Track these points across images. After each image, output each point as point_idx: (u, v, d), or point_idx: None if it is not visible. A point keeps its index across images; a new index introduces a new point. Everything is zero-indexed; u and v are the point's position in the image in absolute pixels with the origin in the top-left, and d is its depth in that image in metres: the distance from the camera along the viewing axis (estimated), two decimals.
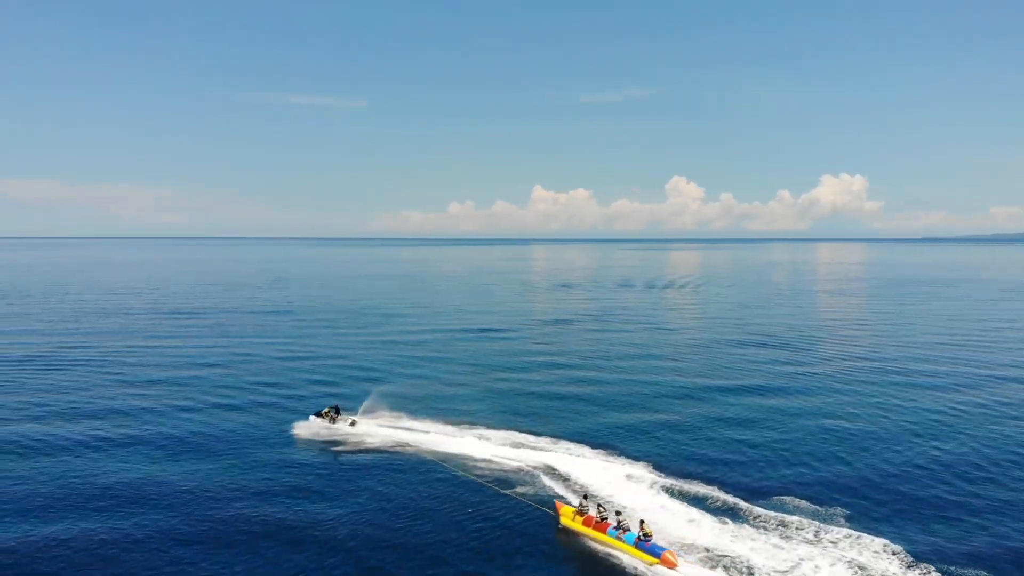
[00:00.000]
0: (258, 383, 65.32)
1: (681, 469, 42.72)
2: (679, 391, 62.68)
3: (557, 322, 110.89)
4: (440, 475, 42.64)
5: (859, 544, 32.97)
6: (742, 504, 37.31)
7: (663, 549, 31.76)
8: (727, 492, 38.94)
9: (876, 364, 74.65)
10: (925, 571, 30.65)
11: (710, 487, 39.67)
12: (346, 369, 72.35)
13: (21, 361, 75.67)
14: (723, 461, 44.50)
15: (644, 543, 32.30)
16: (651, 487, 39.97)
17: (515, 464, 43.89)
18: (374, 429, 51.14)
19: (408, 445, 47.77)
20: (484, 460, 44.74)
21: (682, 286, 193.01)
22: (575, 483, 40.60)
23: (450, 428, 50.97)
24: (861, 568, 30.73)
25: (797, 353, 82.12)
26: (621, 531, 33.64)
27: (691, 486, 39.85)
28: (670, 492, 39.11)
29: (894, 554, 32.04)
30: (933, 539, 34.06)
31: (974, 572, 30.79)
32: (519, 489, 40.21)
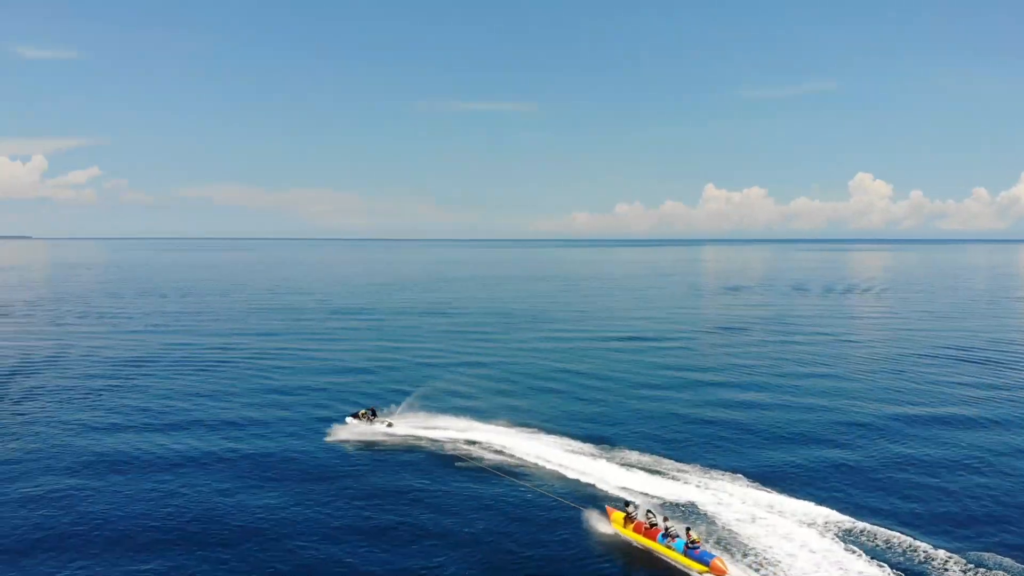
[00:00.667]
0: (387, 388, 62.89)
1: (869, 526, 34.81)
2: (854, 417, 53.87)
3: (718, 330, 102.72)
4: (493, 481, 41.80)
5: None
6: None
7: (712, 556, 31.61)
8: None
9: None
10: None
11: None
12: (477, 378, 68.64)
13: (180, 361, 78.23)
14: (927, 517, 36.22)
15: (692, 550, 32.17)
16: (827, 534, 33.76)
17: (571, 473, 42.64)
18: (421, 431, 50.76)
19: (469, 448, 46.99)
20: (547, 468, 43.52)
21: (865, 290, 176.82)
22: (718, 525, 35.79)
23: (528, 433, 49.68)
24: None
25: (1003, 371, 70.51)
26: (670, 538, 33.52)
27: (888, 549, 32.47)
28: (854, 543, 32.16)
29: None
30: None
31: None
32: (568, 492, 39.93)
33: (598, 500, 38.66)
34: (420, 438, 49.12)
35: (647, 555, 33.81)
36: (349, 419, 52.17)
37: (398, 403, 55.44)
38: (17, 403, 58.14)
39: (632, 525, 35.09)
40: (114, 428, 51.36)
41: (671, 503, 37.76)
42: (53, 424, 51.93)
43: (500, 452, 45.96)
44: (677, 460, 44.16)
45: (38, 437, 48.96)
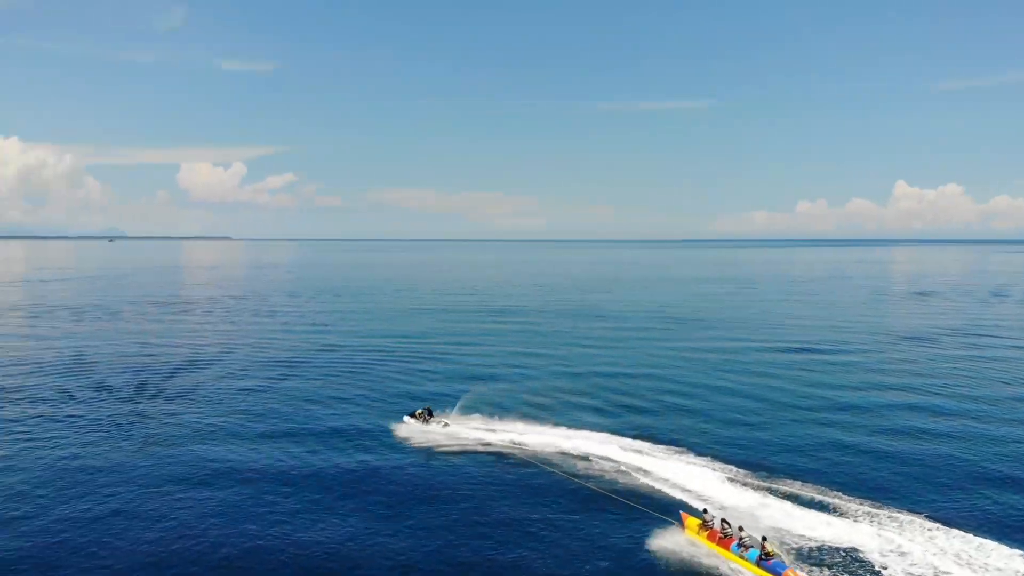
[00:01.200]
0: (520, 399, 60.95)
1: None
2: None
3: (902, 340, 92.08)
4: (565, 484, 41.35)
5: None
6: None
7: (785, 567, 30.93)
8: None
9: None
10: None
11: None
12: (602, 387, 64.56)
13: (328, 362, 79.56)
14: None
15: (766, 562, 31.47)
16: None
17: (640, 477, 42.22)
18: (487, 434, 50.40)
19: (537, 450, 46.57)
20: (616, 471, 43.04)
21: None
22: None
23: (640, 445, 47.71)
24: None
25: None
26: (744, 548, 32.83)
27: None
28: None
29: None
30: None
31: None
32: (639, 497, 39.35)
33: (673, 507, 37.99)
34: (519, 444, 48.00)
35: (720, 564, 33.13)
36: (407, 418, 52.72)
37: (507, 409, 55.09)
38: (167, 401, 59.79)
39: (707, 533, 34.77)
40: (243, 434, 50.84)
41: (831, 546, 33.05)
42: (192, 427, 51.95)
43: (591, 459, 44.97)
44: (843, 493, 38.98)
45: (172, 440, 48.90)
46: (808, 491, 39.46)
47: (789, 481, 40.77)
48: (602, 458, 44.87)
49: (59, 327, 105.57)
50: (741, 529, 33.96)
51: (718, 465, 43.73)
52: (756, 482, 40.87)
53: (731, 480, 41.47)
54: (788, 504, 37.81)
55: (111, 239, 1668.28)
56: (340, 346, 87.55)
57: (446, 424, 51.54)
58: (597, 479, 41.84)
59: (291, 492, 39.80)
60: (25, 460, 44.63)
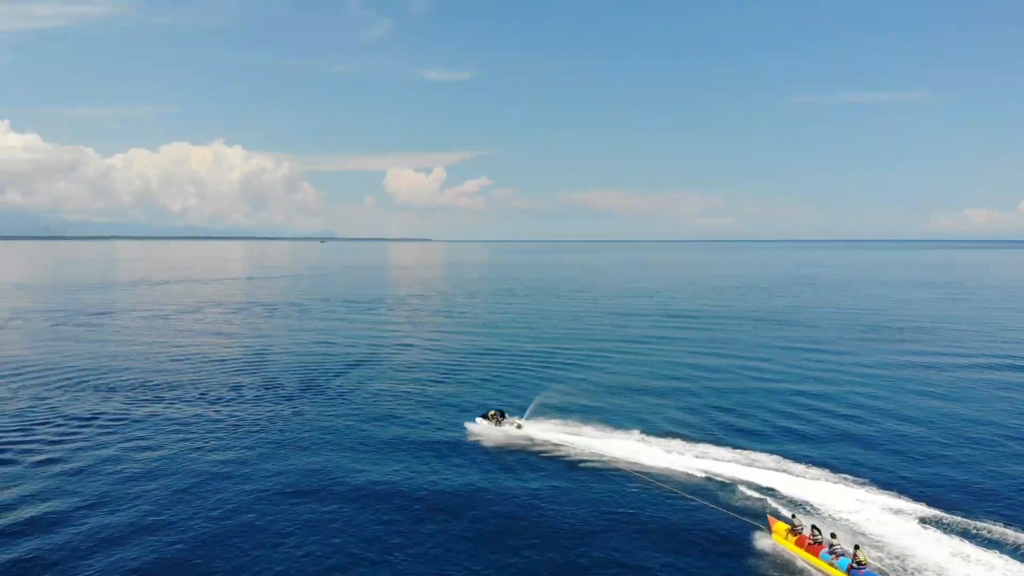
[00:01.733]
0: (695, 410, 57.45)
1: None
2: None
3: None
4: (638, 485, 41.28)
5: None
6: None
7: None
8: None
9: None
10: None
11: None
12: (770, 408, 58.75)
13: (477, 367, 79.17)
14: None
15: (857, 571, 30.55)
16: None
17: (721, 480, 41.68)
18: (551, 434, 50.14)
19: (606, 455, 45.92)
20: (686, 474, 42.72)
21: None
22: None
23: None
24: None
25: None
26: (834, 556, 31.89)
27: None
28: None
29: None
30: None
31: None
32: (725, 501, 38.81)
33: (762, 512, 37.33)
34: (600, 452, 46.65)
35: (809, 572, 32.46)
36: (479, 419, 52.11)
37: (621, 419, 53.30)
38: (324, 401, 60.25)
39: (795, 539, 33.91)
40: (366, 441, 50.57)
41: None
42: (332, 431, 52.18)
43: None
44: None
45: (305, 444, 49.04)
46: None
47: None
48: (683, 466, 44.12)
49: (253, 323, 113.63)
50: (833, 536, 32.93)
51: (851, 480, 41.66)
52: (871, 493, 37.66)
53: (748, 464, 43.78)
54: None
55: (323, 240, 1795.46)
56: (500, 350, 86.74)
57: (519, 426, 51.01)
58: (673, 482, 41.61)
59: (388, 508, 38.34)
60: (161, 460, 45.23)
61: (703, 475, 42.10)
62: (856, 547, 31.73)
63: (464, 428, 51.76)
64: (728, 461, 44.22)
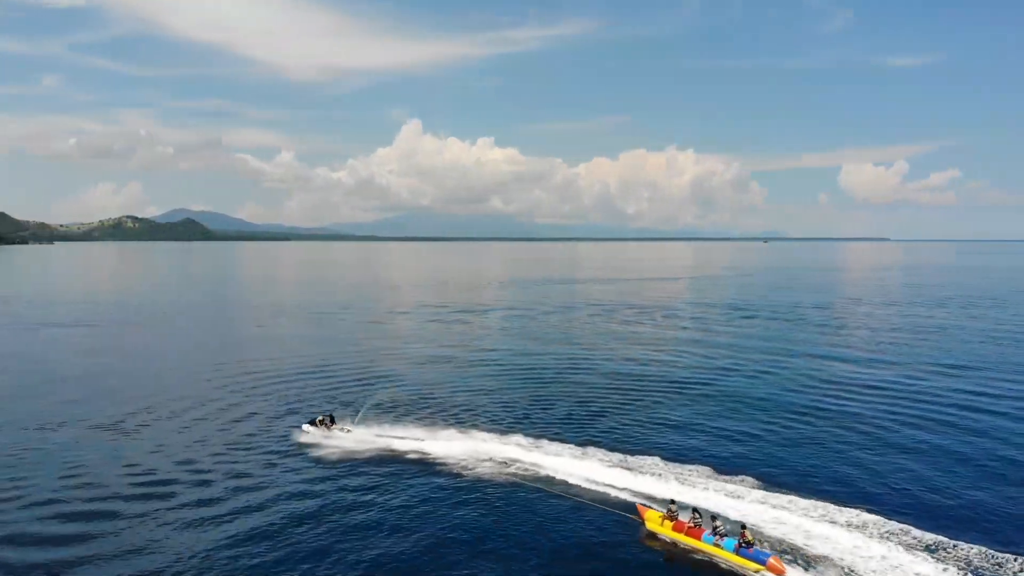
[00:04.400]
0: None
1: None
2: None
3: None
4: (517, 489, 39.59)
5: None
6: None
7: (768, 555, 29.88)
8: None
9: None
10: None
11: None
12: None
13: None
14: None
15: (746, 550, 30.37)
16: None
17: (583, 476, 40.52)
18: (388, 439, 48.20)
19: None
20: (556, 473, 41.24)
21: None
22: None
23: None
24: None
25: None
26: (718, 537, 31.78)
27: None
28: None
29: None
30: None
31: None
32: (590, 494, 37.96)
33: (630, 504, 36.65)
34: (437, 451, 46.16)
35: (692, 556, 32.22)
36: (306, 426, 50.50)
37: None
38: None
39: (672, 524, 33.53)
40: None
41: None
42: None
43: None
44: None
45: None
46: None
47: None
48: (527, 461, 43.50)
49: (631, 326, 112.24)
50: (715, 519, 32.88)
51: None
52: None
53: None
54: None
55: (766, 240, 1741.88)
56: (890, 388, 65.22)
57: (348, 431, 49.68)
58: (524, 479, 40.81)
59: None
60: None
61: (562, 473, 41.25)
62: (743, 526, 31.63)
63: (292, 435, 49.98)
64: (594, 460, 43.95)
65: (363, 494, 39.52)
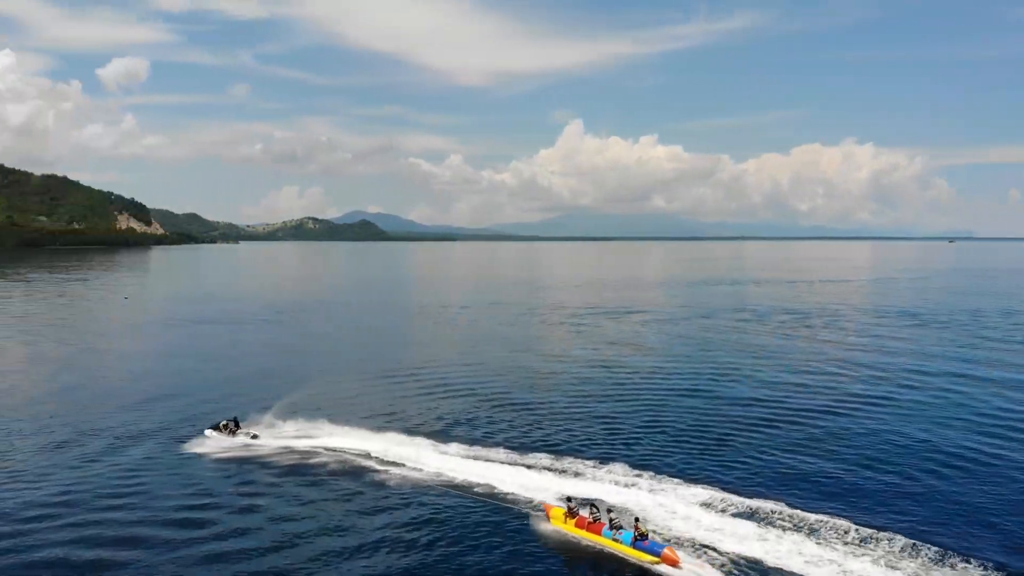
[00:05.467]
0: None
1: None
2: None
3: None
4: (399, 488, 39.45)
5: None
6: None
7: (662, 547, 30.68)
8: None
9: None
10: None
11: None
12: None
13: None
14: None
15: (641, 542, 31.12)
16: None
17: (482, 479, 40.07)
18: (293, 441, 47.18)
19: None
20: (457, 475, 40.75)
21: None
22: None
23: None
24: None
25: None
26: (616, 530, 32.43)
27: None
28: None
29: None
30: None
31: None
32: (495, 495, 37.92)
33: (535, 502, 36.92)
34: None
35: (593, 551, 32.67)
36: (209, 431, 48.81)
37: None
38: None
39: (574, 520, 33.87)
40: None
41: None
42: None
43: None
44: None
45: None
46: None
47: None
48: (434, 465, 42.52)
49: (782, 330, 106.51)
50: (610, 511, 33.63)
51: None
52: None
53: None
54: None
55: (951, 240, 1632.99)
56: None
57: (255, 435, 48.23)
58: (437, 480, 40.24)
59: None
60: None
61: (469, 473, 40.91)
62: (636, 519, 32.42)
63: (193, 443, 48.05)
64: (488, 460, 43.51)
65: (254, 499, 38.51)
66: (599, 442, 48.80)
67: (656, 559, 30.51)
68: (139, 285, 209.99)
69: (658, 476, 41.12)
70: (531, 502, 37.49)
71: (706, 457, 45.59)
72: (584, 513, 34.42)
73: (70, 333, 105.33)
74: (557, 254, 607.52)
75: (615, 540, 32.51)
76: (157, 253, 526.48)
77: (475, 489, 39.29)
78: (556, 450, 46.46)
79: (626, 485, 39.66)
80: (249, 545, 33.12)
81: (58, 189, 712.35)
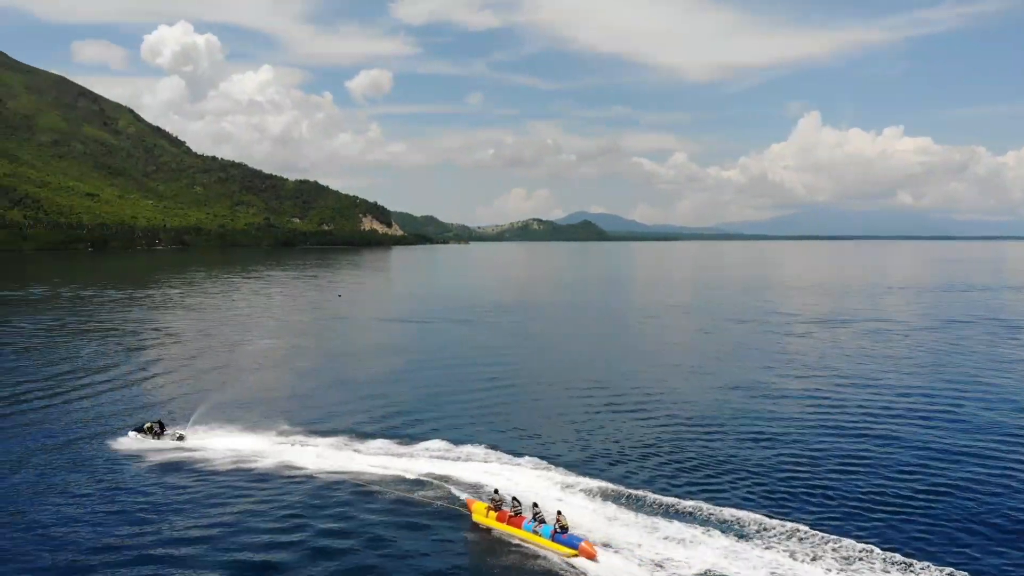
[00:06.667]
0: None
1: None
2: None
3: None
4: (330, 488, 38.63)
5: None
6: None
7: (580, 540, 31.06)
8: None
9: None
10: None
11: None
12: None
13: None
14: None
15: (561, 535, 31.56)
16: None
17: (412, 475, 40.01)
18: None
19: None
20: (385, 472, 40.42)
21: None
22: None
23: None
24: None
25: None
26: (537, 524, 32.78)
27: None
28: None
29: None
30: None
31: None
32: (419, 492, 37.81)
33: (459, 496, 37.00)
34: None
35: (514, 544, 32.80)
36: (132, 433, 47.19)
37: None
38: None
39: (496, 514, 34.06)
40: None
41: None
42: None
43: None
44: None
45: None
46: None
47: None
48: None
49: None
50: (535, 506, 33.74)
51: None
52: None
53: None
54: None
55: None
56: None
57: (181, 437, 47.01)
58: (355, 480, 39.67)
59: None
60: None
61: (392, 471, 40.63)
62: (558, 512, 32.47)
63: (113, 445, 46.26)
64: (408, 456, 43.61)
65: (177, 504, 37.40)
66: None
67: (574, 552, 30.99)
68: (357, 284, 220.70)
69: None
70: (455, 498, 37.55)
71: None
72: (507, 507, 34.80)
73: (252, 328, 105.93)
74: (788, 253, 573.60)
75: (535, 533, 32.98)
76: (397, 252, 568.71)
77: (393, 488, 38.97)
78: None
79: None
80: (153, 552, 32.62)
81: (310, 193, 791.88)
